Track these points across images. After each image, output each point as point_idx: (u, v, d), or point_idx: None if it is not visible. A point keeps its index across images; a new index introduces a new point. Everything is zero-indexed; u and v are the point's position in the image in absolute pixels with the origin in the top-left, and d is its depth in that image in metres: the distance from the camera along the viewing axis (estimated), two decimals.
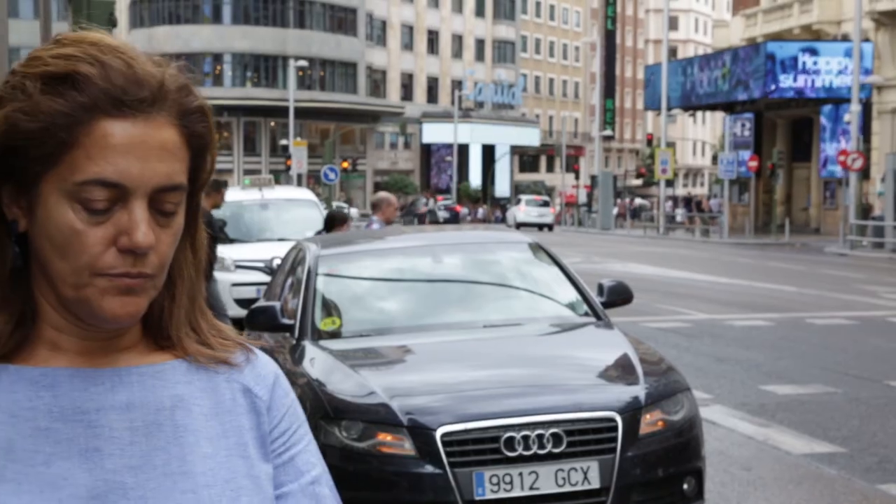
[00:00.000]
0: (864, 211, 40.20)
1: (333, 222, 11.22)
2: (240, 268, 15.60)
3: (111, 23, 8.73)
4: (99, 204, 1.23)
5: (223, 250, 16.09)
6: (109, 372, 1.29)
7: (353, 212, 68.03)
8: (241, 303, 14.87)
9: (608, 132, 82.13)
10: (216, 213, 16.64)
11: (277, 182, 27.29)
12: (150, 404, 1.30)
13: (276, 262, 13.47)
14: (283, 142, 66.64)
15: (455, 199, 70.82)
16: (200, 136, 1.32)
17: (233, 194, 19.01)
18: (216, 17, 73.29)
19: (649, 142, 79.76)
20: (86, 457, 1.25)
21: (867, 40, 44.38)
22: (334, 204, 43.53)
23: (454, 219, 55.65)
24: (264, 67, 73.87)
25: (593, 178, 70.77)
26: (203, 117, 1.33)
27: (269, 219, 17.50)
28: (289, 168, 50.79)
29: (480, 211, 68.49)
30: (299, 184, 44.27)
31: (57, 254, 1.25)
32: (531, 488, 5.20)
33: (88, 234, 1.24)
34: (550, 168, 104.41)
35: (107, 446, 1.26)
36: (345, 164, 58.54)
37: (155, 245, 1.26)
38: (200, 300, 1.37)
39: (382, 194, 11.53)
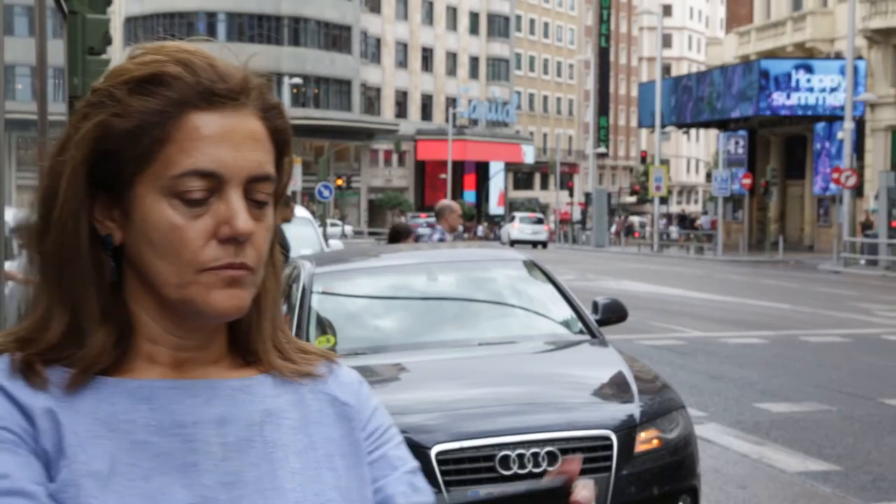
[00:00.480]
0: (865, 227, 40.21)
1: (398, 235, 11.23)
2: None
3: (106, 41, 8.74)
4: (196, 193, 1.25)
5: None
6: (204, 384, 1.30)
7: (348, 229, 68.08)
8: None
9: (602, 149, 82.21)
10: None
11: None
12: (242, 419, 1.30)
13: None
14: None
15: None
16: (282, 130, 1.34)
17: None
18: (210, 34, 73.35)
19: (643, 159, 79.90)
20: (183, 472, 1.24)
21: (860, 58, 44.55)
22: (329, 221, 43.49)
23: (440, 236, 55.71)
24: None
25: (587, 195, 70.90)
26: (281, 113, 1.35)
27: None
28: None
29: (480, 228, 68.52)
30: (294, 201, 44.29)
31: (158, 255, 1.26)
32: None
33: (188, 228, 1.25)
34: (545, 185, 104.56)
35: (203, 461, 1.25)
36: (339, 182, 58.58)
37: (253, 237, 1.28)
38: (280, 315, 1.38)
39: (445, 202, 11.42)
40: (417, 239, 12.13)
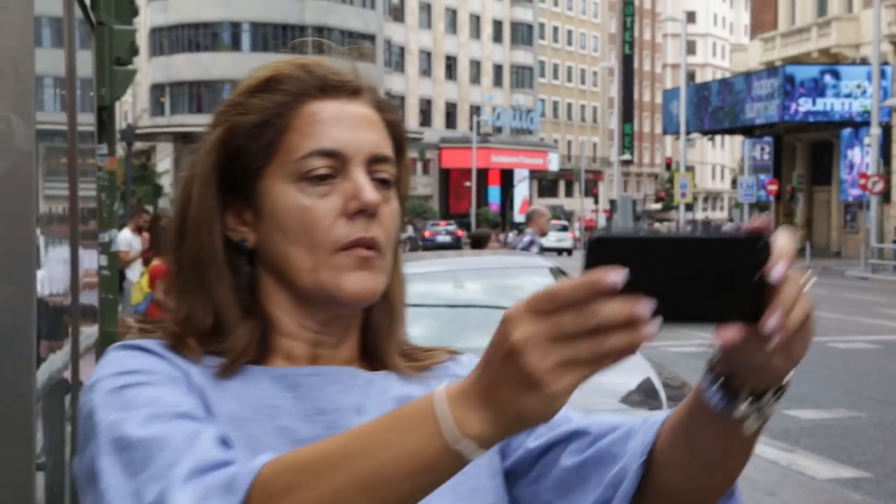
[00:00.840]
0: None
1: (480, 241, 11.38)
2: None
3: (132, 51, 8.79)
4: (321, 170, 1.31)
5: None
6: (343, 371, 1.34)
7: None
8: None
9: (627, 156, 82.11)
10: None
11: None
12: (376, 409, 1.32)
13: None
14: None
15: (474, 224, 70.84)
16: (396, 124, 1.41)
17: None
18: (235, 45, 73.77)
19: (668, 166, 79.78)
20: None
21: (886, 63, 44.33)
22: None
23: (456, 243, 55.78)
24: None
25: (612, 202, 70.79)
26: (393, 110, 1.42)
27: None
28: None
29: (510, 236, 68.55)
30: None
31: (290, 241, 1.31)
32: None
33: (317, 207, 1.30)
34: (569, 193, 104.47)
35: None
36: None
37: (380, 216, 1.33)
38: (404, 321, 1.44)
39: (535, 207, 11.75)
40: (505, 243, 12.31)
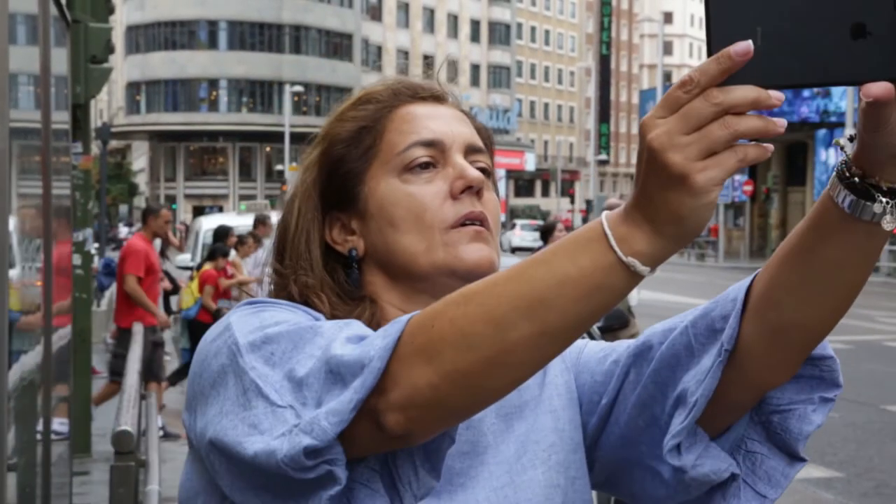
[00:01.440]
0: None
1: (547, 231, 11.30)
2: None
3: (108, 49, 8.75)
4: (423, 158, 1.39)
5: None
6: None
7: None
8: None
9: (603, 157, 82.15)
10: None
11: (273, 207, 27.40)
12: None
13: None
14: (279, 167, 66.73)
15: None
16: (483, 129, 1.50)
17: (229, 219, 19.06)
18: (212, 43, 73.51)
19: None
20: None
21: None
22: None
23: None
24: (260, 93, 74.03)
25: (588, 202, 70.89)
26: (476, 119, 1.52)
27: (265, 244, 17.51)
28: (284, 193, 50.76)
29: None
30: None
31: (402, 231, 1.38)
32: None
33: (424, 192, 1.38)
34: (546, 192, 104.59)
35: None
36: None
37: (485, 200, 1.40)
38: None
39: (612, 199, 11.69)
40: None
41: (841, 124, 42.89)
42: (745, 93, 1.00)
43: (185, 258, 17.76)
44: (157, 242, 11.18)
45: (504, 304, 1.08)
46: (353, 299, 1.39)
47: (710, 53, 1.01)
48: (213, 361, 1.26)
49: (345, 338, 1.17)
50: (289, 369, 1.18)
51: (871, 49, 0.97)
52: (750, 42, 0.98)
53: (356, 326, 1.21)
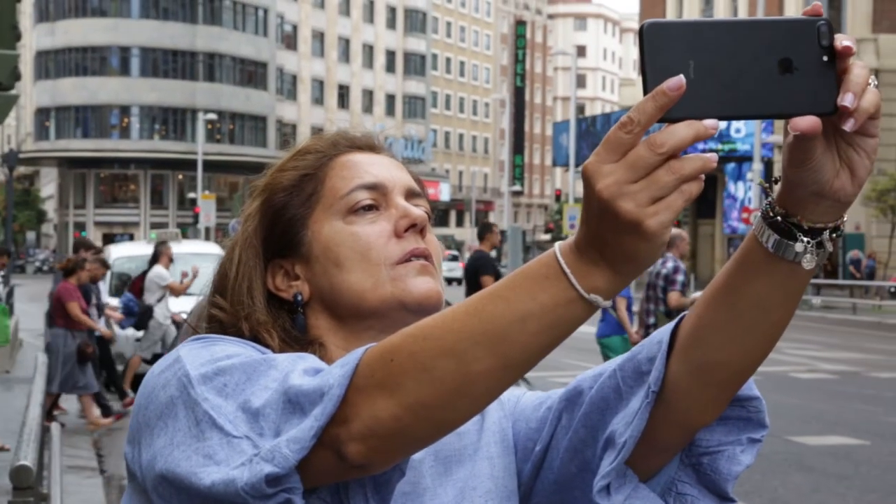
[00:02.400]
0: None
1: (485, 230, 11.20)
2: None
3: (14, 76, 8.63)
4: (366, 201, 1.43)
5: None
6: None
7: None
8: (147, 359, 14.65)
9: (517, 187, 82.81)
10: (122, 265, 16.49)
11: (185, 236, 27.10)
12: None
13: (183, 316, 13.33)
14: (192, 195, 66.08)
15: None
16: (418, 179, 1.53)
17: (139, 248, 18.82)
18: (124, 70, 72.73)
19: (557, 197, 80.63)
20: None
21: None
22: None
23: None
24: (173, 120, 73.36)
25: (503, 232, 71.20)
26: (410, 169, 1.55)
27: (176, 273, 17.29)
28: (197, 221, 50.35)
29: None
30: (207, 237, 43.90)
31: (348, 269, 1.40)
32: None
33: (368, 231, 1.41)
34: (460, 223, 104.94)
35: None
36: None
37: (427, 240, 1.43)
38: None
39: (676, 231, 11.46)
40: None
41: (749, 158, 43.69)
42: (684, 133, 1.05)
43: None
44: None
45: (465, 340, 1.12)
46: (300, 344, 1.40)
47: (645, 90, 1.04)
48: (161, 393, 1.25)
49: (301, 370, 1.19)
50: (243, 400, 1.19)
51: (799, 84, 1.02)
52: (682, 77, 1.01)
53: (311, 360, 1.23)
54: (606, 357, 11.79)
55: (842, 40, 1.06)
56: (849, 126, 1.06)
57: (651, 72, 1.03)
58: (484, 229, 12.13)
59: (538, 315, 1.11)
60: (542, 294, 1.11)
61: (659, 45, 1.02)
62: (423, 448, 1.20)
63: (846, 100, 1.05)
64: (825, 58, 1.03)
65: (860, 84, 1.06)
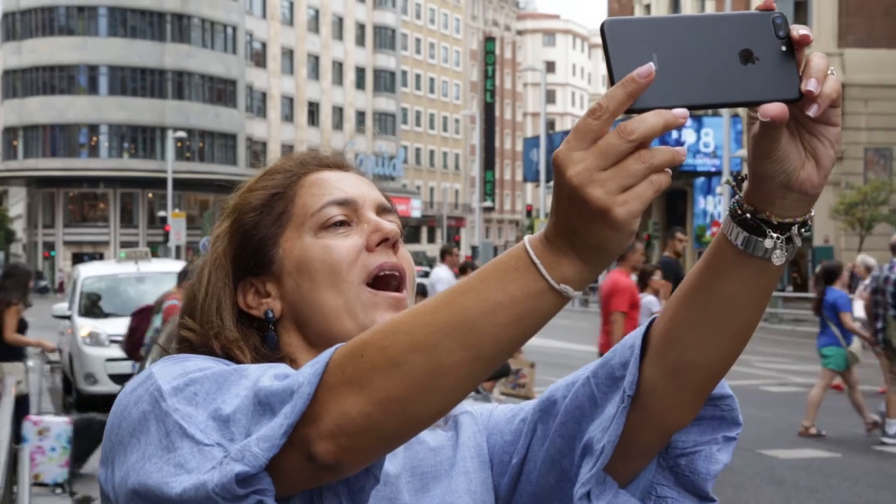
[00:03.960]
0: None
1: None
2: (115, 342, 15.26)
3: None
4: (338, 217, 1.43)
5: (98, 325, 15.76)
6: None
7: None
8: (116, 378, 14.57)
9: (488, 203, 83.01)
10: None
11: (155, 254, 26.97)
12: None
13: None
14: (161, 213, 65.82)
15: None
16: (388, 197, 1.53)
17: (108, 267, 18.73)
18: (92, 89, 72.42)
19: (529, 213, 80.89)
20: None
21: (736, 115, 45.83)
22: None
23: None
24: (142, 138, 73.09)
25: (474, 248, 71.32)
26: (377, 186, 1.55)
27: (146, 292, 17.19)
28: (167, 240, 50.14)
29: None
30: (178, 256, 43.69)
31: (320, 285, 1.39)
32: None
33: (340, 245, 1.41)
34: (432, 239, 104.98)
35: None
36: None
37: (400, 255, 1.44)
38: None
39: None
40: None
41: (718, 173, 43.94)
42: (654, 121, 1.05)
43: (62, 307, 17.33)
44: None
45: (435, 333, 1.11)
46: (272, 361, 1.38)
47: (612, 83, 1.05)
48: (134, 410, 1.24)
49: (272, 374, 1.19)
50: (214, 408, 1.18)
51: (761, 73, 1.04)
52: (651, 64, 1.03)
53: (283, 367, 1.22)
54: (827, 367, 12.47)
55: (798, 30, 1.08)
56: (812, 111, 1.08)
57: (616, 65, 1.04)
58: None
59: (508, 306, 1.11)
60: (512, 285, 1.11)
61: (621, 41, 1.03)
62: (394, 447, 1.19)
63: (810, 84, 1.07)
64: (783, 48, 1.05)
65: (821, 71, 1.08)
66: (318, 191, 1.45)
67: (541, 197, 58.29)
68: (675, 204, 53.50)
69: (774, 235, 1.16)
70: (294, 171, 1.48)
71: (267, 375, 1.19)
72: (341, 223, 1.43)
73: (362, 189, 1.48)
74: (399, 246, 1.45)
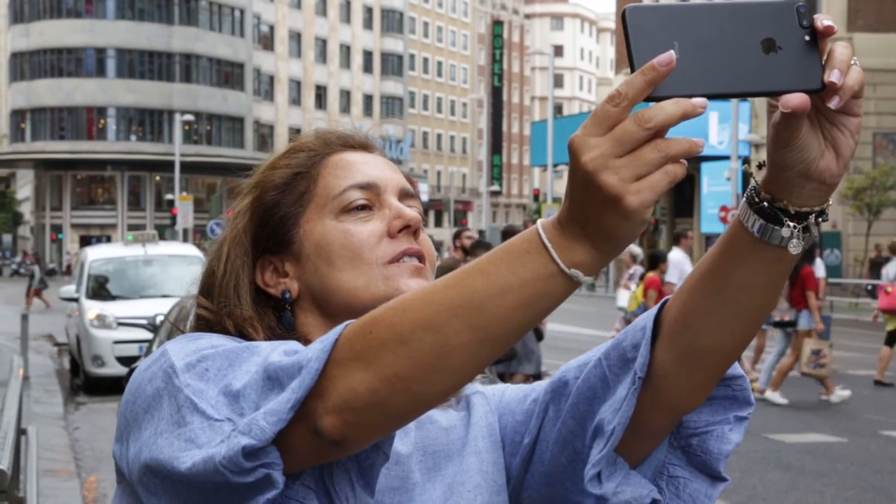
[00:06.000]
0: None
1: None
2: (122, 325, 15.32)
3: None
4: (360, 201, 1.42)
5: (105, 307, 15.79)
6: None
7: None
8: (123, 360, 14.60)
9: (495, 187, 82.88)
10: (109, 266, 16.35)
11: (162, 237, 26.99)
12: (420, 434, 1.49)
13: (160, 319, 13.27)
14: (169, 196, 65.83)
15: None
16: (411, 179, 1.53)
17: (115, 250, 18.73)
18: (100, 71, 72.38)
19: (536, 197, 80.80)
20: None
21: (744, 100, 45.63)
22: None
23: None
24: (150, 121, 73.07)
25: (481, 232, 71.26)
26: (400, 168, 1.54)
27: (153, 275, 17.25)
28: (174, 223, 50.17)
29: None
30: (185, 239, 43.75)
31: (339, 268, 1.39)
32: None
33: (361, 230, 1.40)
34: (439, 223, 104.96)
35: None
36: None
37: (421, 241, 1.43)
38: None
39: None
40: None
41: (726, 157, 43.83)
42: (671, 110, 1.04)
43: (69, 290, 17.33)
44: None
45: (444, 312, 1.11)
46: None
47: (632, 71, 1.05)
48: (148, 387, 1.25)
49: (282, 350, 1.19)
50: (225, 384, 1.19)
51: (784, 63, 1.03)
52: (672, 52, 1.02)
53: (293, 344, 1.22)
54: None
55: (822, 20, 1.07)
56: (834, 103, 1.07)
57: (637, 53, 1.03)
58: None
59: (517, 289, 1.10)
60: (523, 268, 1.11)
61: (642, 28, 1.02)
62: (400, 425, 1.19)
63: (833, 76, 1.06)
64: (807, 37, 1.04)
65: (845, 62, 1.07)
66: (341, 172, 1.44)
67: (548, 181, 58.20)
68: (682, 188, 53.41)
69: (791, 224, 1.15)
70: (318, 150, 1.47)
71: (277, 351, 1.19)
72: (363, 207, 1.42)
73: (386, 173, 1.47)
74: (420, 232, 1.44)
